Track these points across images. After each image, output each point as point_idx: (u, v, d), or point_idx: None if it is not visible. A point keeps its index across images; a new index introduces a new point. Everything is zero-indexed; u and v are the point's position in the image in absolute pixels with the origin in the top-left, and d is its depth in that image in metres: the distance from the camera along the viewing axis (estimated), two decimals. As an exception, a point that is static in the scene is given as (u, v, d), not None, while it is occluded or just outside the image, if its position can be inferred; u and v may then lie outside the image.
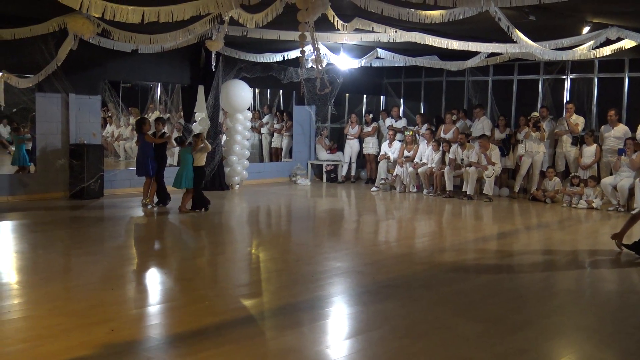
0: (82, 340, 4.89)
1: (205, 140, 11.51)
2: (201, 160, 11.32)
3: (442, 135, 15.01)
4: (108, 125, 19.02)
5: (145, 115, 18.18)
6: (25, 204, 11.57)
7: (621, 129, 13.15)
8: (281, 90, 18.63)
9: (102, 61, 12.66)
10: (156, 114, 17.75)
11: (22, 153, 13.74)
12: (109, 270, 7.38)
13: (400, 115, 16.73)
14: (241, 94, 14.29)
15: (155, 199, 11.71)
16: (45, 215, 10.62)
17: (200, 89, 14.35)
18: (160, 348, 4.85)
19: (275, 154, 17.99)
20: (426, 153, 14.74)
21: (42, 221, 10.18)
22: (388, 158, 15.35)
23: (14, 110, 15.44)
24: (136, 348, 4.82)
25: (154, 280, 7.10)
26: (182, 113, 15.86)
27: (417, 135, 15.33)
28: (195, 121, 14.73)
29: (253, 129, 17.44)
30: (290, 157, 17.17)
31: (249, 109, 15.11)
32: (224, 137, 14.86)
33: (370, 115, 16.87)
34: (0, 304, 5.86)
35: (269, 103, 19.32)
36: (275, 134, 17.99)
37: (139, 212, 11.12)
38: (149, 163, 11.38)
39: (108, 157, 16.53)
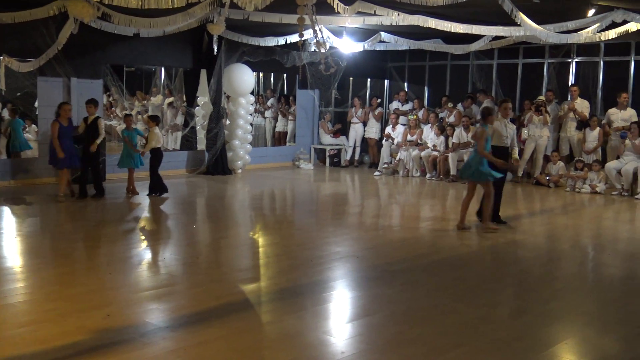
0: (78, 325, 4.88)
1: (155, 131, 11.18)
2: (156, 142, 11.12)
3: (447, 119, 14.93)
4: (112, 109, 18.97)
5: (148, 100, 18.15)
6: (25, 189, 11.57)
7: (628, 112, 13.05)
8: (285, 74, 18.52)
9: (104, 45, 12.60)
10: (159, 98, 17.71)
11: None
12: (108, 254, 7.39)
13: (407, 99, 16.57)
14: (243, 77, 14.21)
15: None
16: (46, 200, 10.59)
17: (203, 73, 14.29)
18: (157, 333, 4.82)
19: (279, 139, 17.93)
20: (430, 137, 14.65)
21: (44, 205, 10.17)
22: (392, 139, 15.23)
23: (18, 94, 15.41)
24: (132, 333, 4.79)
25: (153, 264, 7.08)
26: (184, 97, 15.84)
27: (419, 120, 15.27)
28: (198, 105, 14.68)
29: (256, 110, 17.39)
30: (294, 141, 17.10)
31: (251, 93, 15.03)
32: (226, 121, 14.80)
33: (378, 100, 16.77)
34: (0, 288, 5.87)
35: (272, 87, 19.23)
36: (279, 118, 17.91)
37: (139, 198, 11.07)
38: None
39: (111, 141, 16.47)
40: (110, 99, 18.37)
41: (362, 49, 14.17)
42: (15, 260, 7.02)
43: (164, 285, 6.13)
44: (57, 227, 8.88)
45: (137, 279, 6.46)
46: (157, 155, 11.09)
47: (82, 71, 12.44)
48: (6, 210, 9.99)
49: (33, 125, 17.53)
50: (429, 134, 14.69)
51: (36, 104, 14.82)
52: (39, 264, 6.76)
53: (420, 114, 15.49)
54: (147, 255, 7.50)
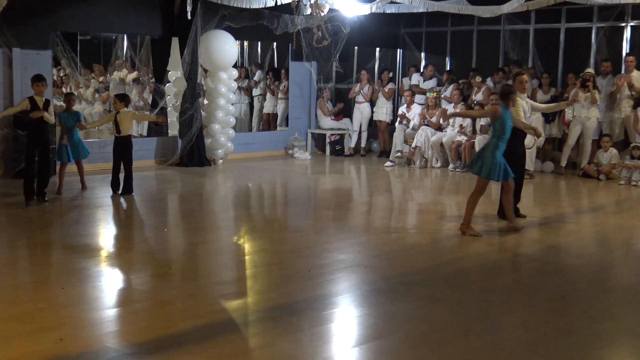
0: (24, 350, 4.88)
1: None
2: (127, 128, 11.05)
3: (473, 97, 14.91)
4: (64, 87, 18.95)
5: (110, 74, 18.12)
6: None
7: None
8: (274, 43, 18.48)
9: (53, 9, 12.57)
10: (124, 72, 17.69)
11: None
12: (59, 265, 7.39)
13: (433, 75, 16.45)
14: (224, 47, 14.18)
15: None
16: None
17: (175, 42, 14.25)
18: (121, 360, 4.84)
19: (267, 122, 17.90)
20: (454, 119, 14.58)
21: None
22: (407, 120, 15.14)
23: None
24: (91, 361, 4.81)
25: (115, 277, 7.06)
26: (152, 71, 15.80)
27: (440, 98, 15.23)
28: (169, 81, 14.65)
29: (240, 89, 17.37)
30: (287, 125, 17.09)
31: (234, 67, 15.00)
32: (204, 101, 14.78)
33: (390, 74, 16.73)
34: None
35: (260, 59, 19.19)
36: (268, 97, 17.87)
37: (99, 195, 11.05)
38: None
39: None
40: (61, 74, 18.32)
41: (369, 12, 14.12)
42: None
43: (129, 302, 6.13)
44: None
45: (96, 294, 6.45)
46: (128, 143, 11.04)
47: (27, 40, 12.39)
48: None
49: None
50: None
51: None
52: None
53: (449, 91, 15.33)
54: (108, 266, 7.49)
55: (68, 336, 5.18)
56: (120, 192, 10.99)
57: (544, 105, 10.37)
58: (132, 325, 5.53)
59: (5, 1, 10.56)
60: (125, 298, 6.30)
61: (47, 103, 10.36)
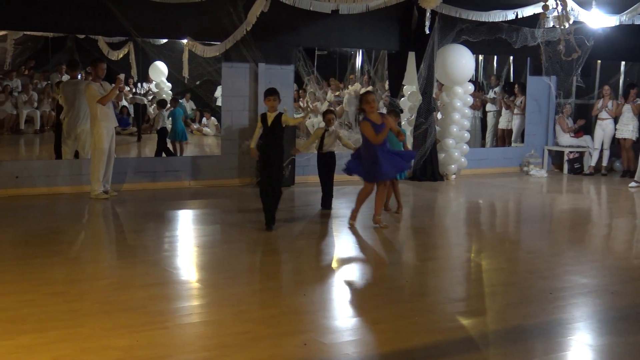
0: (270, 352, 5.15)
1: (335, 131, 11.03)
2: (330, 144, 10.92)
3: None
4: (301, 100, 19.81)
5: (347, 89, 18.72)
6: (206, 191, 12.44)
7: None
8: (512, 57, 18.20)
9: (297, 25, 13.17)
10: (356, 86, 18.19)
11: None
12: (302, 272, 7.72)
13: None
14: (461, 62, 14.18)
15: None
16: (228, 205, 11.30)
17: (411, 57, 14.45)
18: (360, 370, 4.98)
19: (502, 137, 17.66)
20: None
21: (226, 211, 10.86)
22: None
23: (198, 82, 16.66)
24: (331, 367, 4.99)
25: (353, 287, 7.27)
26: (387, 85, 16.11)
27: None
28: (404, 95, 14.86)
29: (473, 106, 17.29)
30: (522, 141, 16.76)
31: (470, 81, 14.94)
32: (438, 116, 14.84)
33: (637, 89, 15.98)
34: (180, 304, 6.37)
35: (495, 73, 18.99)
36: (503, 113, 17.62)
37: (334, 204, 11.37)
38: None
39: (300, 137, 17.17)
40: (305, 88, 19.12)
41: (616, 24, 13.57)
42: (191, 273, 7.59)
43: (366, 312, 6.29)
44: (241, 237, 9.39)
45: (335, 302, 6.68)
46: (330, 160, 11.01)
47: (271, 55, 13.07)
48: (183, 215, 10.81)
49: (212, 118, 18.86)
50: None
51: (216, 94, 15.93)
52: (222, 279, 7.21)
53: None
54: (344, 275, 7.73)
55: (311, 342, 5.40)
56: (322, 207, 11.06)
57: None
58: (370, 336, 5.68)
59: (255, 18, 11.27)
60: (363, 308, 6.46)
61: (277, 117, 9.35)
